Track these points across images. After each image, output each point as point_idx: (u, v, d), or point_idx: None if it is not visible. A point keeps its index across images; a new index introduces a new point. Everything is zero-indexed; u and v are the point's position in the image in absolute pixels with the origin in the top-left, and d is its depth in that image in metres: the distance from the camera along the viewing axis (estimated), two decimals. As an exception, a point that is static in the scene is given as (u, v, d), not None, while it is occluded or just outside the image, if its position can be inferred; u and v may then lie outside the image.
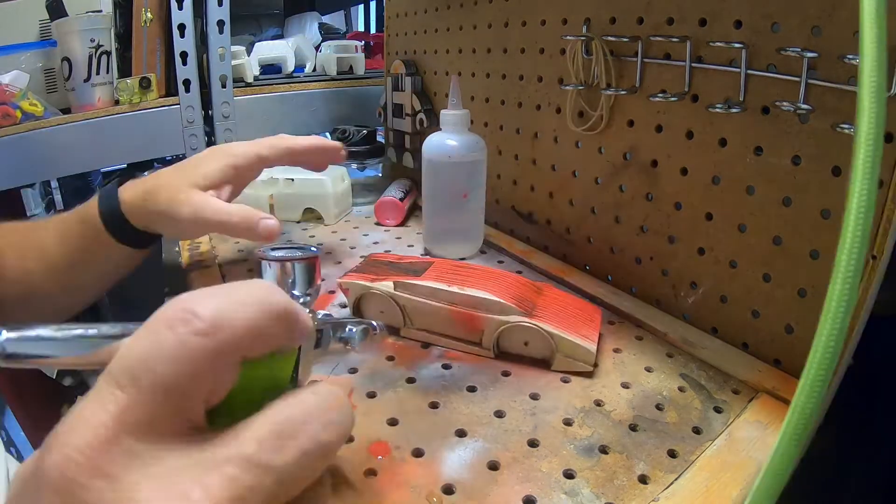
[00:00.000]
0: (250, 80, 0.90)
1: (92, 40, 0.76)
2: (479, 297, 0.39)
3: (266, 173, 0.68)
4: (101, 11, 0.81)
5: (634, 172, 0.47)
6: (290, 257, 0.25)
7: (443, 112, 0.54)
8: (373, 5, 1.68)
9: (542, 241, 0.59)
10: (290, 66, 0.97)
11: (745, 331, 0.40)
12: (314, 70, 1.03)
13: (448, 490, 0.28)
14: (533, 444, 0.31)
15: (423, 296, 0.40)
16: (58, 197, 1.51)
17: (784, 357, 0.38)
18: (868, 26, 0.16)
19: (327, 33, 1.26)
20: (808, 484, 0.47)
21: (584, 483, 0.29)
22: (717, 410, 0.34)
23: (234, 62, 0.85)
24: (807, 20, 0.33)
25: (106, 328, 0.19)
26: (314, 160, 0.51)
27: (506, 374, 0.38)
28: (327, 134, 0.94)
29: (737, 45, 0.37)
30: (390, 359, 0.40)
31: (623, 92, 0.46)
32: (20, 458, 0.77)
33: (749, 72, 0.37)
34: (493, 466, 0.30)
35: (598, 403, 0.35)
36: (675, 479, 0.29)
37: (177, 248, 0.60)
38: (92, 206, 0.45)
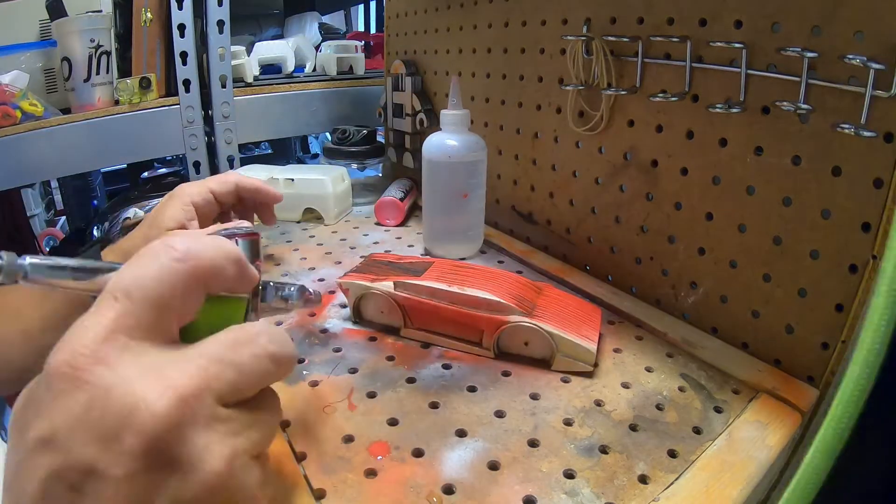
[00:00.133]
0: (250, 80, 0.90)
1: (92, 40, 0.76)
2: (480, 297, 0.39)
3: (266, 173, 0.68)
4: (101, 11, 0.81)
5: (634, 172, 0.47)
6: (234, 233, 0.28)
7: (443, 112, 0.54)
8: (373, 5, 1.68)
9: (542, 241, 0.59)
10: (290, 66, 0.97)
11: (745, 331, 0.40)
12: (314, 70, 1.03)
13: (448, 490, 0.28)
14: (533, 444, 0.31)
15: (423, 296, 0.40)
16: (58, 197, 1.51)
17: (784, 357, 0.38)
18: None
19: (327, 33, 1.26)
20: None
21: (584, 483, 0.29)
22: (718, 410, 0.34)
23: (234, 62, 0.85)
24: (807, 20, 0.33)
25: (104, 263, 0.25)
26: (257, 199, 0.53)
27: (506, 374, 0.38)
28: (327, 134, 0.94)
29: (737, 45, 0.37)
30: (390, 359, 0.40)
31: (623, 92, 0.46)
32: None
33: (749, 72, 0.37)
34: (494, 466, 0.30)
35: (599, 403, 0.35)
36: (676, 479, 0.29)
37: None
38: None
